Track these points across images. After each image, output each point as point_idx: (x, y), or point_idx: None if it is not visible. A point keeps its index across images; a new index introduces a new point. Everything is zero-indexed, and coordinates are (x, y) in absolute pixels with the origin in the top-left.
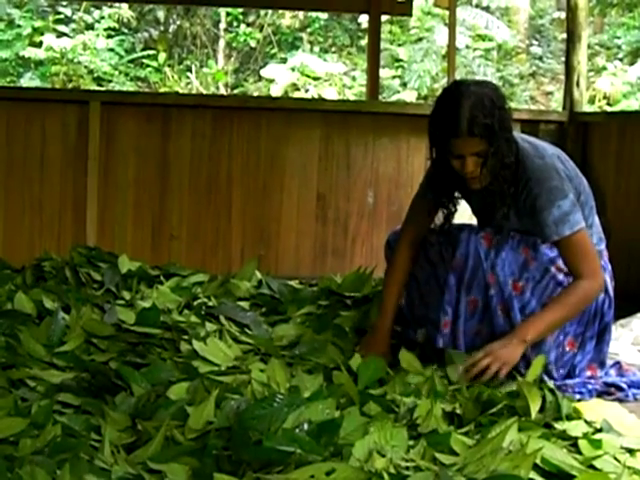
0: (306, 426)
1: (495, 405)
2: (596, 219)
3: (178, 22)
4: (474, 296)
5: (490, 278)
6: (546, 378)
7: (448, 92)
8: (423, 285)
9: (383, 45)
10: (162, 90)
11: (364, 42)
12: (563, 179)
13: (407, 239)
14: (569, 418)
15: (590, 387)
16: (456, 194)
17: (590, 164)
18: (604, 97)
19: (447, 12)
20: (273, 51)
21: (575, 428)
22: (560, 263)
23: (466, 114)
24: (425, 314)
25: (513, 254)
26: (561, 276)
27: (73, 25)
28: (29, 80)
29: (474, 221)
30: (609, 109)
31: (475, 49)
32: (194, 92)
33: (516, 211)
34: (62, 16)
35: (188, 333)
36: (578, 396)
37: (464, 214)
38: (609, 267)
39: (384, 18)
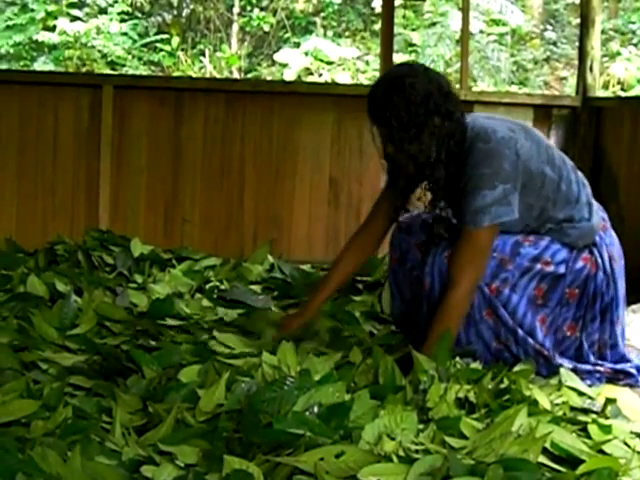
0: (316, 409)
1: (509, 393)
2: (585, 192)
3: (191, 6)
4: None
5: None
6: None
7: (387, 71)
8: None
9: (397, 30)
10: (175, 74)
11: (377, 26)
12: (500, 168)
13: (356, 238)
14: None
15: (599, 375)
16: None
17: (603, 149)
18: (618, 82)
19: None
20: (287, 35)
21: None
22: (547, 257)
23: (374, 98)
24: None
25: None
26: (551, 268)
27: (86, 9)
28: (43, 64)
29: None
30: (623, 94)
31: (489, 34)
32: (207, 76)
33: (458, 195)
34: (75, 0)
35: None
36: (588, 382)
37: None
38: (607, 241)
39: (398, 2)
